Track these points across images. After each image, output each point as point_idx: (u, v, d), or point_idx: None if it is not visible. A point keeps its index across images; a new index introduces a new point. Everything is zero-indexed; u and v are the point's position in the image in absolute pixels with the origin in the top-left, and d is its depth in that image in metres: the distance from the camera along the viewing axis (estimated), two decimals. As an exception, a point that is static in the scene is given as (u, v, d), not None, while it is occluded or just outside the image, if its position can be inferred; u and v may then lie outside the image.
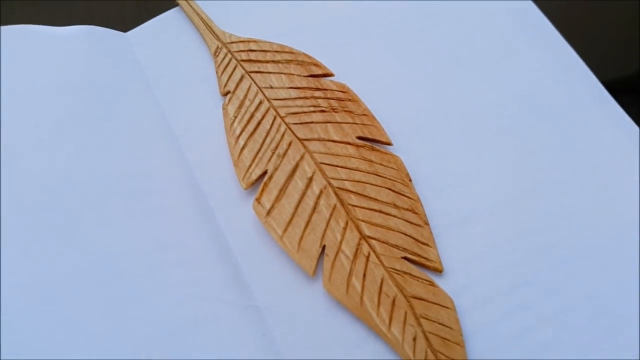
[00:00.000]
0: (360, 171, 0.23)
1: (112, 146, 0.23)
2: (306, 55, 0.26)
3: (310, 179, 0.23)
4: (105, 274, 0.20)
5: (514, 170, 0.24)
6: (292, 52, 0.26)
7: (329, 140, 0.24)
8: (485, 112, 0.26)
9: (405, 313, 0.20)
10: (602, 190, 0.24)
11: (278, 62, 0.26)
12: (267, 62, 0.26)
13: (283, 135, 0.24)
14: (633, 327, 0.21)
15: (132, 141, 0.24)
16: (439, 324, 0.20)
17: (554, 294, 0.21)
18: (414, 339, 0.20)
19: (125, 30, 0.27)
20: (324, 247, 0.21)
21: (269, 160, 0.23)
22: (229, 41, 0.26)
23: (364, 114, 0.25)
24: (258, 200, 0.22)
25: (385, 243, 0.22)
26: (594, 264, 0.22)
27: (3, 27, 0.25)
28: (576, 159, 0.25)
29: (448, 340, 0.20)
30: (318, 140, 0.24)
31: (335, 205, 0.22)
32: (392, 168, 0.23)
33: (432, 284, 0.21)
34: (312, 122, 0.24)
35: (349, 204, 0.22)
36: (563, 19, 0.30)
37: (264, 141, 0.24)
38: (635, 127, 0.25)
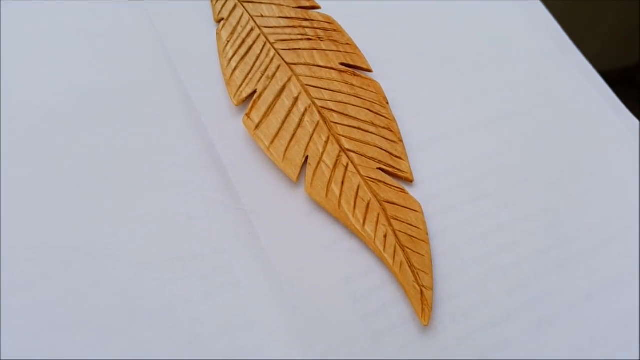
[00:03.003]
0: (342, 93, 0.25)
1: (107, 61, 0.25)
2: (295, -12, 0.28)
3: (296, 99, 0.25)
4: (105, 169, 0.22)
5: (480, 101, 0.27)
6: (283, -15, 0.28)
7: (314, 65, 0.26)
8: (458, 50, 0.28)
9: (378, 215, 0.22)
10: (562, 119, 0.27)
11: (269, -7, 0.27)
12: (259, -7, 0.27)
13: (272, 59, 0.26)
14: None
15: (128, 61, 0.25)
16: (408, 224, 0.22)
17: (510, 205, 0.24)
18: (385, 236, 0.22)
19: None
20: (307, 158, 0.24)
21: (259, 80, 0.25)
22: (223, -28, 0.28)
23: (347, 43, 0.27)
24: (248, 115, 0.24)
25: (363, 155, 0.24)
26: (551, 181, 0.25)
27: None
28: (533, 92, 0.27)
29: (415, 237, 0.22)
30: (304, 64, 0.26)
31: (318, 122, 0.24)
32: (371, 91, 0.25)
33: (403, 191, 0.23)
34: (299, 49, 0.26)
35: (331, 121, 0.24)
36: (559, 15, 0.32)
37: (254, 64, 0.26)
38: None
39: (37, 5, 0.26)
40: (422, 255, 0.22)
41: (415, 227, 0.22)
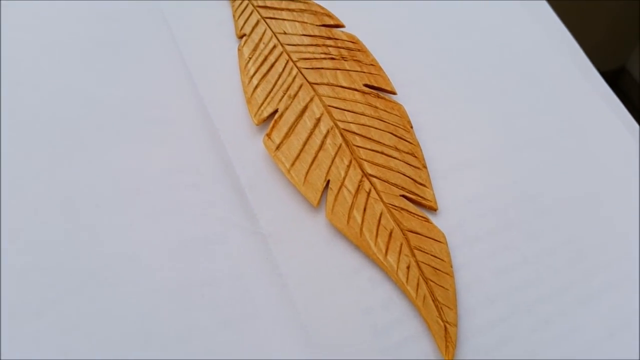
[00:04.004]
0: (366, 115, 0.24)
1: (130, 78, 0.25)
2: (319, 6, 0.27)
3: (319, 120, 0.24)
4: (123, 190, 0.22)
5: (505, 126, 0.26)
6: (307, 2, 0.27)
7: (337, 86, 0.25)
8: (484, 72, 0.27)
9: (401, 244, 0.22)
10: (583, 147, 0.26)
11: (292, 10, 0.27)
12: (282, 9, 0.27)
13: (294, 78, 0.25)
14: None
15: (149, 76, 0.25)
16: (432, 255, 0.22)
17: (536, 238, 0.23)
18: (408, 267, 0.21)
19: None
20: (328, 182, 0.23)
21: (280, 100, 0.24)
22: (246, -13, 0.27)
23: (372, 64, 0.26)
24: (268, 135, 0.24)
25: (386, 181, 0.23)
26: (573, 213, 0.24)
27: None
28: (558, 120, 0.27)
29: (439, 270, 0.21)
30: (327, 85, 0.25)
31: (340, 145, 0.24)
32: (395, 115, 0.25)
33: (427, 220, 0.22)
34: (322, 68, 0.25)
35: (354, 145, 0.24)
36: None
37: (276, 82, 0.25)
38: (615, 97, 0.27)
39: (55, 19, 0.25)
40: (446, 289, 0.21)
41: (440, 259, 0.22)
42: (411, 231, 0.22)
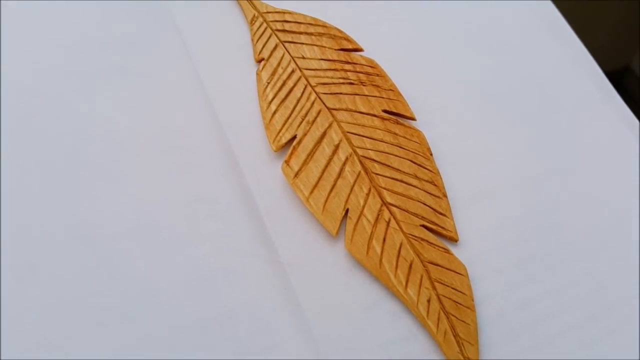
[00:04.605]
0: (385, 142, 0.24)
1: (148, 104, 0.24)
2: (338, 29, 0.27)
3: (337, 146, 0.24)
4: (141, 222, 0.21)
5: (527, 154, 0.26)
6: (325, 26, 0.27)
7: (356, 112, 0.25)
8: (506, 97, 0.27)
9: (421, 276, 0.21)
10: (605, 177, 0.25)
11: (311, 34, 0.27)
12: (301, 33, 0.27)
13: (313, 103, 0.25)
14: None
15: (166, 101, 0.25)
16: (452, 288, 0.21)
17: (559, 269, 0.23)
18: (428, 301, 0.21)
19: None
20: (347, 211, 0.23)
21: (299, 125, 0.24)
22: (265, 11, 0.27)
23: (391, 89, 0.26)
24: (287, 162, 0.23)
25: (406, 211, 0.23)
26: (595, 244, 0.24)
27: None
28: (581, 147, 0.26)
29: (460, 304, 0.21)
30: (346, 110, 0.25)
31: (359, 172, 0.23)
32: (414, 142, 0.24)
33: (447, 251, 0.22)
34: (341, 93, 0.25)
35: (373, 172, 0.23)
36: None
37: (294, 108, 0.25)
38: (636, 120, 0.27)
39: (76, 46, 0.25)
40: (468, 324, 0.20)
41: (461, 292, 0.21)
42: (432, 263, 0.22)
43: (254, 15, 0.27)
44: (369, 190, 0.23)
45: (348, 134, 0.24)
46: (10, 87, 0.24)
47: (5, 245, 0.20)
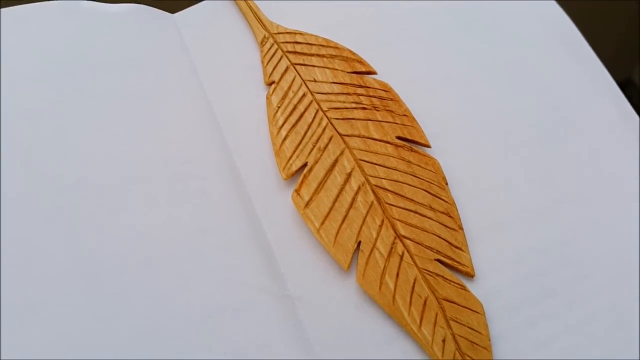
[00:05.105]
0: (399, 171, 0.23)
1: (155, 127, 0.24)
2: (351, 51, 0.26)
3: (349, 175, 0.23)
4: (147, 256, 0.21)
5: (545, 181, 0.25)
6: (337, 48, 0.26)
7: (369, 138, 0.24)
8: (523, 122, 0.26)
9: (436, 315, 0.21)
10: (625, 205, 0.24)
11: (323, 56, 0.26)
12: (312, 55, 0.26)
13: (324, 129, 0.24)
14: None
15: (174, 123, 0.24)
16: (468, 327, 0.20)
17: (577, 304, 0.22)
18: (444, 341, 0.20)
19: (172, 12, 0.27)
20: (359, 243, 0.22)
21: (310, 152, 0.24)
22: (275, 32, 0.27)
23: (405, 115, 0.25)
24: (297, 191, 0.23)
25: (420, 244, 0.22)
26: (618, 278, 0.23)
27: (54, 2, 0.25)
28: (600, 173, 0.25)
29: (476, 344, 0.20)
30: (358, 136, 0.24)
31: (372, 203, 0.23)
32: (429, 170, 0.24)
33: (463, 287, 0.21)
34: (353, 119, 0.25)
35: (386, 203, 0.23)
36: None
37: (305, 133, 0.24)
38: None
39: (79, 69, 0.24)
40: (485, 366, 0.20)
41: (477, 331, 0.20)
42: (447, 300, 0.21)
43: (265, 36, 0.26)
44: (382, 221, 0.22)
45: (360, 161, 0.24)
46: (12, 109, 0.23)
47: (5, 279, 0.20)
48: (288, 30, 0.27)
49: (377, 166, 0.23)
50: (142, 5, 0.26)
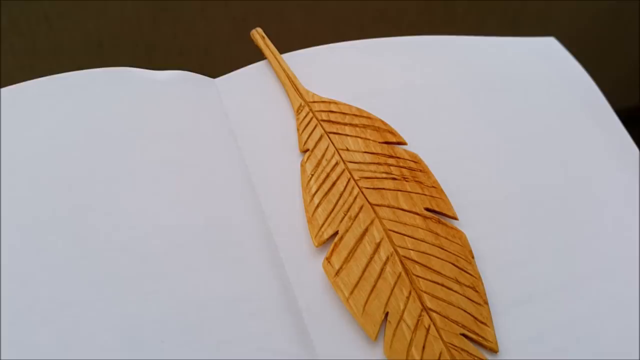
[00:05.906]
0: (426, 243, 0.24)
1: (195, 193, 0.25)
2: (382, 121, 0.27)
3: (378, 245, 0.24)
4: (185, 323, 0.22)
5: (569, 255, 0.25)
6: (370, 118, 0.27)
7: (398, 209, 0.25)
8: (545, 195, 0.27)
9: (461, 390, 0.21)
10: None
11: (355, 125, 0.27)
12: (346, 124, 0.27)
13: (355, 198, 0.25)
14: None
15: (214, 189, 0.25)
16: (492, 405, 0.21)
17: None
18: (467, 417, 0.21)
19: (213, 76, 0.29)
20: (387, 314, 0.23)
21: (341, 221, 0.25)
22: (311, 100, 0.28)
23: (433, 186, 0.26)
24: (328, 259, 0.24)
25: (446, 317, 0.23)
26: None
27: (105, 69, 0.27)
28: (627, 249, 0.26)
29: (500, 422, 0.21)
30: (388, 207, 0.25)
31: (400, 274, 0.23)
32: (456, 243, 0.24)
33: (487, 364, 0.22)
34: (383, 189, 0.26)
35: (414, 274, 0.23)
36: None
37: (337, 202, 0.25)
38: None
39: (118, 139, 0.26)
40: None
41: (500, 409, 0.21)
42: (471, 375, 0.21)
43: (301, 104, 0.28)
44: (409, 293, 0.23)
45: (390, 232, 0.24)
46: (60, 175, 0.24)
47: (53, 343, 0.21)
48: (323, 100, 0.28)
49: (405, 237, 0.24)
50: (186, 73, 0.28)
